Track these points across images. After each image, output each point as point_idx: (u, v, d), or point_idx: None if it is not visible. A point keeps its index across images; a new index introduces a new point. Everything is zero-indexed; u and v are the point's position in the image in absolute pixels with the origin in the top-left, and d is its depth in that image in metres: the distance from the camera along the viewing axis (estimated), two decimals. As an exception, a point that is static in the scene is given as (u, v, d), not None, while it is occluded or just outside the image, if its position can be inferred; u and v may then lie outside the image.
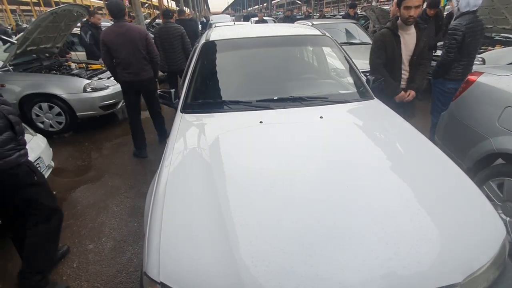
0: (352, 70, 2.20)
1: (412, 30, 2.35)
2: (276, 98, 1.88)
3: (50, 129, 3.97)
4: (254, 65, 2.26)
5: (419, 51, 2.37)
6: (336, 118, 1.73)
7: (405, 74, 2.45)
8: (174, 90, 2.11)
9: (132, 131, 3.27)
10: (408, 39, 2.34)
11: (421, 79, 2.44)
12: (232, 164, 1.35)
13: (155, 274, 0.92)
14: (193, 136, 1.60)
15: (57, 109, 3.88)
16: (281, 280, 0.86)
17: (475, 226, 1.05)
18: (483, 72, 2.21)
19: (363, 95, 2.01)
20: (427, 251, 0.94)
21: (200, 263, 0.93)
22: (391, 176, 1.26)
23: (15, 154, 1.48)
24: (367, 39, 5.35)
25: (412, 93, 2.42)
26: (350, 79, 2.19)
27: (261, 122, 1.65)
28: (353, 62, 2.26)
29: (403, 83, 2.48)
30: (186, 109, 1.89)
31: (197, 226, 1.04)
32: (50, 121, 3.95)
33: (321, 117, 1.68)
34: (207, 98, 2.01)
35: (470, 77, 2.28)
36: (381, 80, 2.21)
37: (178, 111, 1.89)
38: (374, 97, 2.00)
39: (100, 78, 4.19)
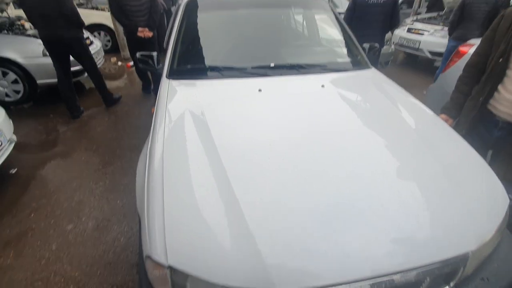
0: (348, 37, 2.09)
1: None
2: (273, 65, 1.74)
3: (7, 98, 3.50)
4: (245, 28, 2.05)
5: None
6: (337, 87, 1.65)
7: None
8: (156, 53, 1.89)
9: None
10: None
11: None
12: (236, 136, 1.22)
13: (162, 257, 0.81)
14: (186, 105, 1.44)
15: (12, 76, 3.39)
16: (305, 258, 0.80)
17: (483, 195, 1.07)
18: (474, 44, 2.22)
19: (360, 64, 1.93)
20: (445, 223, 0.93)
21: (213, 243, 0.84)
22: (401, 146, 1.23)
23: None
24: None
25: None
26: (346, 47, 2.09)
27: (260, 90, 1.52)
28: (348, 28, 2.14)
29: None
30: (173, 74, 1.69)
31: (204, 204, 0.94)
32: (6, 89, 3.46)
33: (322, 86, 1.59)
34: (196, 63, 1.81)
35: (461, 49, 2.29)
36: (376, 49, 2.14)
37: (164, 77, 1.69)
38: (371, 66, 1.94)
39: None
